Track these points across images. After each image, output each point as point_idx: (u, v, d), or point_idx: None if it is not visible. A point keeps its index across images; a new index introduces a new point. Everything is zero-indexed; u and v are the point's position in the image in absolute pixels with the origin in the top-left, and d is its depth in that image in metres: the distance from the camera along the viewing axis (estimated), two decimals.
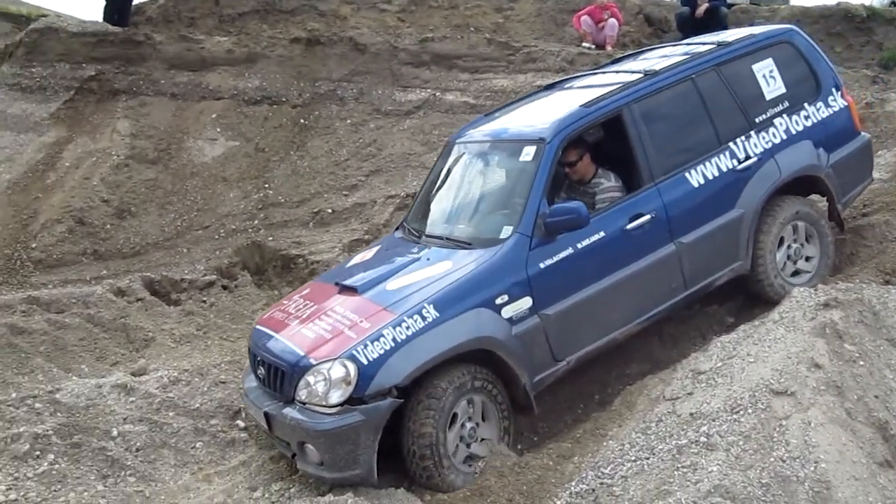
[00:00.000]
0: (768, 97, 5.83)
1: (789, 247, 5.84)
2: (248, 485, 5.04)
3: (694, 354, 4.91)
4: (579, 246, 5.08)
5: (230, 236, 8.95)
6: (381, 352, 4.61)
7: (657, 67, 5.62)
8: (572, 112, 5.33)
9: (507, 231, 5.09)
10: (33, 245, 8.52)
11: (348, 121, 10.26)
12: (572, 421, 5.39)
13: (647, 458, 4.05)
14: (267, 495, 4.92)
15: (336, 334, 4.85)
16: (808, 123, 5.91)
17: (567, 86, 6.27)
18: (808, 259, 5.91)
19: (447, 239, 5.43)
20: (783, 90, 5.87)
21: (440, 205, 5.87)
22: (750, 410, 3.97)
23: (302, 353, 4.84)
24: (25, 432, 5.06)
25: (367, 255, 6.03)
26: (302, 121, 10.27)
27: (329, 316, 5.06)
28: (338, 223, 8.89)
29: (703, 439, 3.94)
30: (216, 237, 8.93)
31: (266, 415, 4.91)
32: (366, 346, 4.62)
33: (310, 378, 4.70)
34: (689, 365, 4.75)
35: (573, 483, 4.17)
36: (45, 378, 6.33)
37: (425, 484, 4.74)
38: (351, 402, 4.58)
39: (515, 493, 4.49)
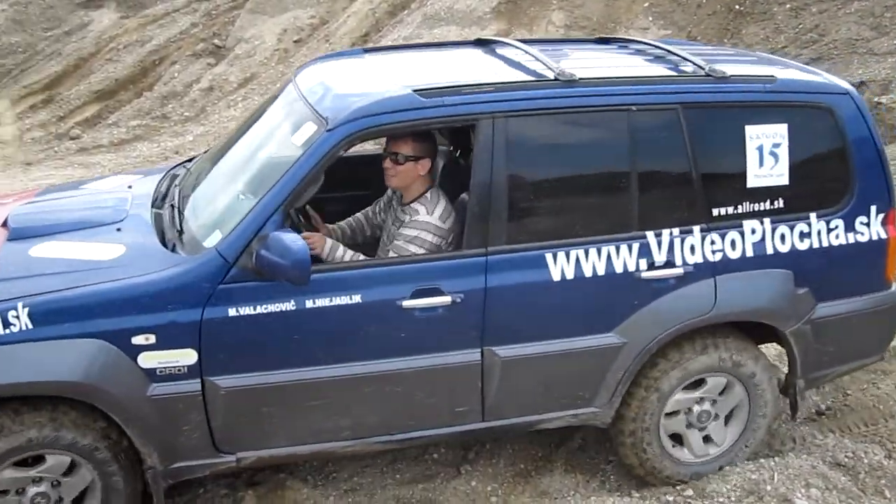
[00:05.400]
0: (752, 183, 3.57)
1: (689, 411, 3.74)
2: None
3: None
4: (308, 305, 3.16)
5: None
6: None
7: (580, 74, 3.42)
8: (393, 97, 3.28)
9: (212, 240, 3.21)
10: None
11: (788, 5, 9.58)
12: None
13: None
14: None
15: None
16: (803, 245, 3.63)
17: (497, 49, 4.07)
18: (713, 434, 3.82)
19: (171, 212, 3.59)
20: (783, 180, 3.59)
21: (216, 164, 3.91)
22: None
23: None
24: None
25: (122, 179, 4.29)
26: (737, 6, 9.84)
27: None
28: None
29: None
30: None
31: None
32: None
33: None
34: None
35: None
36: None
37: None
38: None
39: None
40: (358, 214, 4.07)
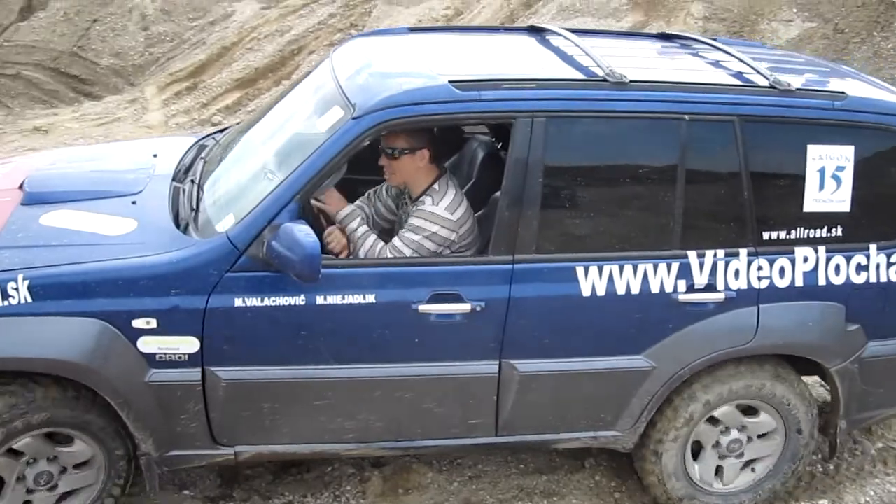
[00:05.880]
0: (809, 207, 3.29)
1: (717, 443, 3.51)
2: None
3: None
4: (318, 301, 2.99)
5: None
6: None
7: (632, 76, 3.16)
8: (427, 87, 3.06)
9: (225, 224, 3.05)
10: None
11: None
12: None
13: None
14: None
15: None
16: (859, 279, 3.35)
17: (549, 38, 3.79)
18: (750, 465, 3.59)
19: (190, 188, 3.44)
20: (844, 207, 3.31)
21: (243, 139, 3.74)
22: None
23: None
24: None
25: (150, 145, 4.16)
26: None
27: None
28: None
29: None
30: None
31: None
32: None
33: None
34: None
35: None
36: None
37: None
38: None
39: None
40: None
